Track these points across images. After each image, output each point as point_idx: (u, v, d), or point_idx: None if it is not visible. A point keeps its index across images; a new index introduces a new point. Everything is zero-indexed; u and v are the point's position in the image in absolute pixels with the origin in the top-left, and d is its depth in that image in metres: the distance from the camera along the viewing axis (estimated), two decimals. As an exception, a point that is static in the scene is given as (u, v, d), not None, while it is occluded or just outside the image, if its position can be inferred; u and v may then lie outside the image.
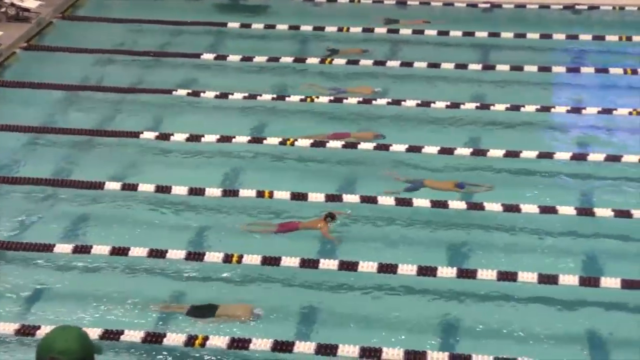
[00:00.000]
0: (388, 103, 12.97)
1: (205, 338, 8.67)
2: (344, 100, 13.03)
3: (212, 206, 10.88)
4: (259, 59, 14.23)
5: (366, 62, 14.13)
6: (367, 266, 9.62)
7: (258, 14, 16.15)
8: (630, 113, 12.55)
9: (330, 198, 10.78)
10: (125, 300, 9.37)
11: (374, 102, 13.01)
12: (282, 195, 10.82)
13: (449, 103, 12.85)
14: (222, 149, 11.97)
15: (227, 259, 9.76)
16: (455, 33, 15.07)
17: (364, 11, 16.30)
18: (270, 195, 10.82)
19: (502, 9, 16.18)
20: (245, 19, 15.70)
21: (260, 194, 10.86)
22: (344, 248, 10.18)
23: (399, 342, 8.73)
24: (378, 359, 8.47)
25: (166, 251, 9.85)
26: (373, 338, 8.79)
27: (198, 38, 15.24)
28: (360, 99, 13.04)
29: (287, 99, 13.13)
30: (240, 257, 9.76)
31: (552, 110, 12.77)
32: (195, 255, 9.82)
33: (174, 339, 8.69)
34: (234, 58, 14.31)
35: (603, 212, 10.47)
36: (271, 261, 9.70)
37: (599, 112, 12.64)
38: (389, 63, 14.12)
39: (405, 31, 15.21)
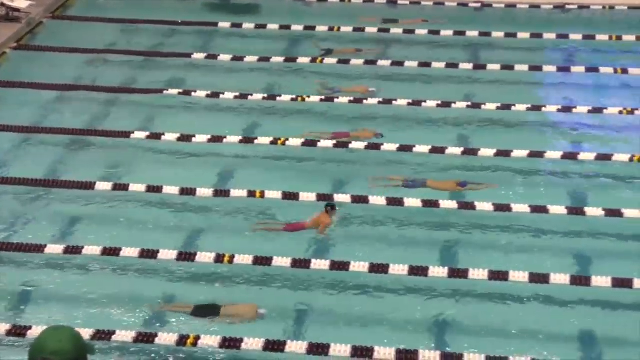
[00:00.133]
0: (379, 102, 12.98)
1: (197, 337, 8.67)
2: (335, 100, 13.02)
3: (203, 206, 10.87)
4: (250, 59, 14.22)
5: (357, 62, 14.13)
6: (359, 266, 9.63)
7: (249, 13, 16.13)
8: (620, 112, 12.58)
9: (322, 197, 10.78)
10: (117, 301, 9.36)
11: (365, 101, 13.01)
12: (274, 195, 10.82)
13: (440, 102, 12.87)
14: (213, 149, 11.96)
15: (219, 259, 9.76)
16: (447, 32, 15.08)
17: (355, 11, 16.28)
18: (262, 195, 10.83)
19: (492, 9, 16.19)
20: (236, 18, 15.68)
21: (251, 194, 10.86)
22: (335, 248, 10.18)
23: (390, 341, 8.73)
24: (370, 358, 8.49)
25: (158, 251, 9.85)
26: (365, 337, 8.79)
27: (189, 38, 15.21)
28: (352, 99, 13.04)
29: (278, 98, 13.12)
30: (232, 257, 9.76)
31: (543, 109, 12.78)
32: (186, 256, 9.82)
33: (166, 338, 8.69)
34: (224, 57, 14.30)
35: (594, 211, 10.50)
36: (262, 261, 9.71)
37: (589, 111, 12.67)
38: (380, 62, 14.13)
39: (397, 30, 15.21)
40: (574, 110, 12.73)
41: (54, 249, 9.96)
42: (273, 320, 9.10)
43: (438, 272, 9.57)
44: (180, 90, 13.30)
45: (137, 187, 10.99)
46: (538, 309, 9.29)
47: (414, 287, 9.54)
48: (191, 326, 8.98)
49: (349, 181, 11.37)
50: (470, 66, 14.02)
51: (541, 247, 10.17)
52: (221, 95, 13.16)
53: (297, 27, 15.32)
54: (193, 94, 13.21)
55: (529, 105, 12.79)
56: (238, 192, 10.94)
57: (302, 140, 11.94)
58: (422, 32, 15.17)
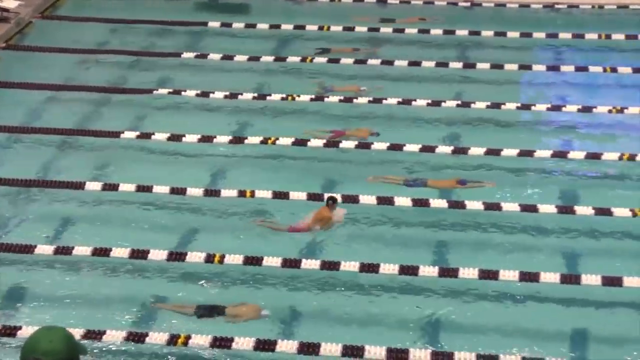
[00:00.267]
0: (370, 101, 12.98)
1: (188, 337, 8.67)
2: (325, 99, 13.03)
3: (194, 206, 10.86)
4: (240, 58, 14.22)
5: (348, 61, 14.13)
6: (350, 266, 9.64)
7: (239, 13, 16.11)
8: (610, 111, 12.62)
9: (312, 197, 10.78)
10: (108, 301, 9.36)
11: (355, 100, 13.02)
12: (264, 194, 10.83)
13: (430, 101, 12.89)
14: (203, 149, 11.95)
15: (209, 259, 9.76)
16: (436, 31, 15.10)
17: (345, 11, 16.29)
18: (252, 194, 10.83)
19: (482, 8, 16.21)
20: (226, 18, 15.67)
21: (242, 194, 10.86)
22: (326, 247, 10.18)
23: (381, 340, 8.73)
24: (360, 357, 8.49)
25: (148, 251, 9.84)
26: (355, 337, 8.80)
27: (179, 37, 15.19)
28: (342, 98, 13.05)
29: (268, 97, 13.12)
30: (222, 257, 9.76)
31: (533, 108, 12.81)
32: (177, 256, 9.82)
33: (157, 337, 8.68)
34: (214, 57, 14.29)
35: (584, 210, 10.53)
36: (253, 261, 9.71)
37: (578, 110, 12.69)
38: (371, 62, 14.15)
39: (387, 30, 15.22)
40: (564, 109, 12.76)
41: (45, 249, 9.94)
42: (264, 320, 9.10)
43: (429, 271, 9.58)
44: (171, 90, 13.29)
45: (127, 187, 10.98)
46: (528, 308, 9.30)
47: (404, 286, 9.54)
48: (183, 325, 8.97)
49: (341, 180, 11.37)
50: (460, 65, 14.03)
51: (531, 246, 10.19)
52: (211, 95, 13.15)
53: (287, 27, 15.30)
54: (183, 93, 13.20)
55: (519, 104, 12.81)
56: (228, 192, 10.93)
57: (292, 139, 11.93)
58: (412, 31, 15.16)
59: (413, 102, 12.89)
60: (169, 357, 8.61)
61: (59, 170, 11.58)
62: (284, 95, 13.10)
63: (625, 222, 10.44)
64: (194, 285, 9.62)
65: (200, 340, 8.64)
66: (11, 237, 10.25)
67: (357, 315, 9.20)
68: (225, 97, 13.14)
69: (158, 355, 8.63)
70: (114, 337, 8.66)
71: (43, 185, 11.16)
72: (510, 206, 10.61)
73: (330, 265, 9.66)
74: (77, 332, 8.43)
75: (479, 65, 13.96)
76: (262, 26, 15.37)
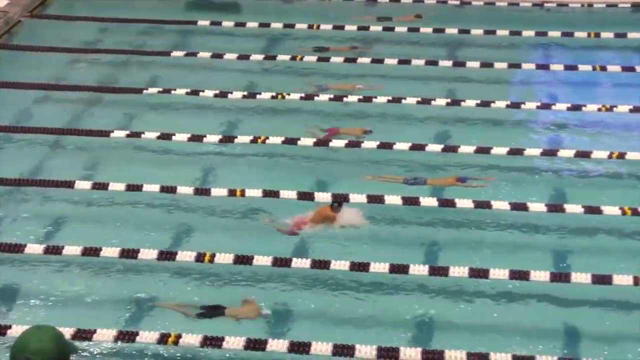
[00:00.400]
0: (359, 100, 12.99)
1: (178, 336, 8.66)
2: (315, 98, 13.02)
3: (184, 204, 10.85)
4: (230, 57, 14.20)
5: (338, 59, 14.12)
6: (339, 264, 9.64)
7: (229, 11, 16.09)
8: (599, 109, 12.64)
9: (303, 196, 10.78)
10: (98, 300, 9.36)
11: (345, 98, 13.02)
12: (255, 193, 10.82)
13: (419, 99, 12.90)
14: (193, 147, 11.94)
15: (200, 258, 9.76)
16: (426, 30, 15.11)
17: (335, 10, 16.27)
18: (242, 193, 10.83)
19: (472, 6, 16.22)
20: (216, 16, 15.65)
21: (232, 193, 10.86)
22: (317, 246, 10.18)
23: (371, 339, 8.74)
24: (351, 356, 8.50)
25: (138, 251, 9.84)
26: (346, 336, 8.80)
27: (168, 36, 15.17)
28: (332, 96, 13.05)
29: (258, 96, 13.11)
30: (213, 256, 9.75)
31: (522, 106, 12.82)
32: (167, 255, 9.81)
33: (147, 337, 8.68)
34: (204, 55, 14.28)
35: (573, 208, 10.55)
36: (243, 260, 9.71)
37: (568, 108, 12.71)
38: (364, 59, 14.14)
39: (376, 28, 15.22)
40: (553, 107, 12.77)
41: (34, 248, 9.92)
42: (253, 319, 9.11)
43: (419, 270, 9.59)
44: (160, 89, 13.27)
45: (117, 186, 10.97)
46: (518, 306, 9.33)
47: (395, 285, 9.56)
48: (173, 325, 8.97)
49: (332, 179, 11.37)
50: (449, 63, 14.05)
51: (521, 245, 10.21)
52: (201, 94, 13.14)
53: (277, 25, 15.28)
54: (173, 92, 13.18)
55: (508, 102, 12.83)
56: (219, 191, 10.93)
57: (283, 138, 11.92)
58: (402, 29, 15.17)
59: (403, 100, 12.87)
60: (160, 355, 8.61)
61: (49, 170, 11.55)
62: (274, 94, 13.09)
63: (614, 220, 10.46)
64: (185, 284, 9.62)
65: (190, 340, 8.64)
66: (1, 237, 10.22)
67: (348, 314, 9.21)
68: (216, 95, 13.13)
69: (149, 355, 8.64)
70: (104, 336, 8.66)
71: (32, 185, 11.13)
72: (500, 204, 10.62)
73: (321, 264, 9.66)
74: (67, 332, 8.41)
75: (469, 64, 13.96)
76: (252, 25, 15.33)
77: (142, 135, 12.06)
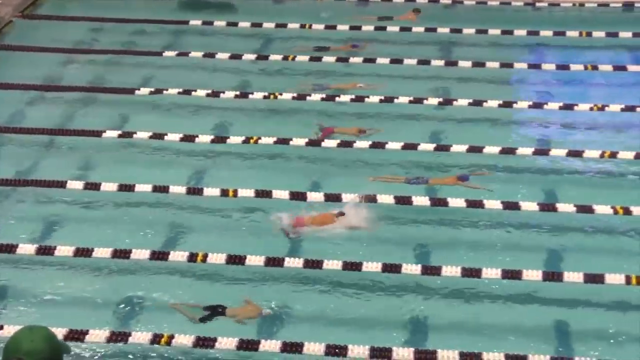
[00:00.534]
0: (352, 100, 12.98)
1: (171, 337, 8.66)
2: (307, 98, 13.01)
3: (176, 204, 10.85)
4: (222, 56, 14.18)
5: (330, 59, 14.11)
6: (332, 264, 9.64)
7: (221, 11, 16.08)
8: (591, 108, 12.66)
9: (295, 196, 10.78)
10: (91, 301, 9.35)
11: (337, 98, 13.01)
12: (247, 193, 10.81)
13: (412, 98, 12.90)
14: (185, 147, 11.93)
15: (192, 258, 9.75)
16: (418, 29, 15.11)
17: (328, 9, 16.26)
18: (235, 193, 10.82)
19: (464, 5, 16.23)
20: (208, 16, 15.64)
21: (224, 193, 10.85)
22: (308, 246, 10.18)
23: (364, 339, 8.75)
24: (344, 356, 8.50)
25: (130, 251, 9.83)
26: (338, 336, 8.81)
27: (160, 36, 15.15)
28: (324, 96, 13.04)
29: (250, 96, 13.10)
30: (205, 256, 9.75)
31: (514, 105, 12.84)
32: (159, 255, 9.80)
33: (140, 337, 8.67)
34: (196, 55, 14.26)
35: (565, 207, 10.56)
36: (236, 260, 9.70)
37: (560, 108, 12.73)
38: (353, 59, 14.14)
39: (368, 28, 15.21)
40: (545, 106, 12.79)
41: (27, 248, 9.91)
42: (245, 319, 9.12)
43: (411, 269, 9.60)
44: (152, 89, 13.25)
45: (109, 186, 10.96)
46: (511, 306, 9.34)
47: (387, 284, 9.56)
48: (165, 325, 8.97)
49: (324, 179, 11.37)
50: (441, 62, 14.06)
51: (513, 244, 10.23)
52: (193, 93, 13.12)
53: (270, 25, 15.26)
54: (165, 92, 13.16)
55: (500, 102, 12.83)
56: (211, 191, 10.92)
57: (275, 138, 11.91)
58: (394, 28, 15.17)
59: (396, 100, 12.88)
60: (153, 356, 8.61)
61: (41, 170, 11.54)
62: (266, 94, 13.08)
63: (606, 219, 10.48)
64: (178, 284, 9.61)
65: (183, 340, 8.63)
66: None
67: (340, 314, 9.22)
68: (208, 95, 13.11)
69: (142, 356, 8.63)
70: (97, 336, 8.65)
71: (23, 185, 11.12)
72: (493, 203, 10.63)
73: (314, 264, 9.66)
74: (59, 332, 8.40)
75: (461, 63, 13.97)
76: (244, 24, 15.31)
77: (135, 135, 12.05)
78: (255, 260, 9.69)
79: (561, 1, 16.16)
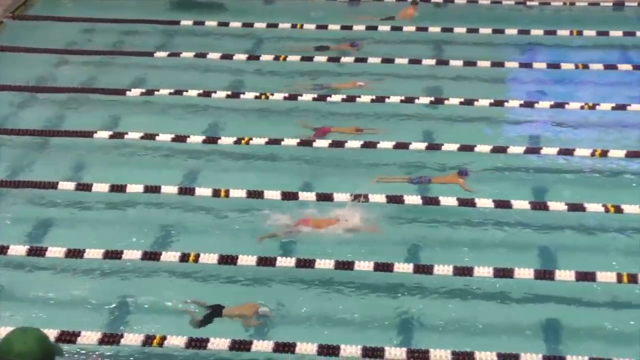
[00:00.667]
0: (343, 100, 12.98)
1: (163, 338, 8.65)
2: (299, 98, 13.00)
3: (168, 205, 10.84)
4: (213, 56, 14.17)
5: (320, 59, 14.10)
6: (324, 263, 9.64)
7: (212, 11, 16.07)
8: (582, 107, 12.68)
9: (287, 196, 10.77)
10: (83, 302, 9.34)
11: (328, 98, 13.00)
12: (238, 193, 10.81)
13: (403, 98, 12.91)
14: (177, 148, 11.92)
15: (184, 258, 9.74)
16: (409, 28, 15.12)
17: (313, 9, 16.25)
18: (227, 194, 10.82)
19: (455, 4, 16.24)
20: (199, 16, 15.62)
21: (216, 193, 10.85)
22: (301, 245, 10.18)
23: (356, 338, 8.75)
24: (336, 356, 8.51)
25: (122, 252, 9.82)
26: (330, 335, 8.81)
27: (151, 36, 15.14)
28: (315, 96, 13.03)
29: (242, 96, 13.09)
30: (197, 256, 9.74)
31: (505, 104, 12.86)
32: (151, 255, 9.79)
33: (132, 339, 8.67)
34: (187, 55, 14.24)
35: (557, 205, 10.58)
36: (227, 260, 9.70)
37: (551, 106, 12.75)
38: (344, 59, 14.14)
39: (359, 27, 15.21)
40: (536, 105, 12.81)
41: (17, 250, 9.89)
42: (238, 320, 9.10)
43: (403, 268, 9.61)
44: (143, 90, 13.24)
45: (100, 187, 10.95)
46: (503, 304, 9.36)
47: (379, 283, 9.57)
48: (158, 325, 8.97)
49: (317, 179, 11.37)
50: (433, 62, 14.07)
51: (504, 242, 10.25)
52: (184, 94, 13.11)
53: (261, 25, 15.24)
54: (156, 92, 13.14)
55: (492, 101, 12.85)
56: (203, 191, 10.92)
57: (266, 139, 11.90)
58: (385, 28, 15.17)
59: (387, 99, 12.89)
60: (146, 358, 8.62)
61: (32, 171, 11.53)
62: (258, 94, 13.07)
63: (598, 217, 10.50)
64: (170, 284, 9.60)
65: (175, 341, 8.63)
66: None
67: (332, 314, 9.22)
68: (199, 95, 13.10)
69: (134, 358, 8.63)
70: (89, 338, 8.64)
71: (15, 186, 11.09)
72: (484, 202, 10.65)
73: (306, 263, 9.66)
74: (51, 334, 8.38)
75: (452, 62, 13.99)
76: (236, 24, 15.30)
77: (126, 136, 12.03)
78: (247, 260, 9.69)
79: (552, 0, 16.17)
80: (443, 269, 9.56)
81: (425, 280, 9.55)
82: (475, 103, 12.78)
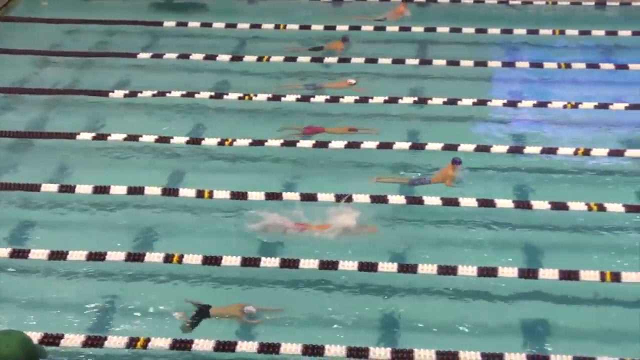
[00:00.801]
0: (327, 100, 12.98)
1: (147, 340, 8.64)
2: (282, 98, 12.99)
3: (152, 206, 10.83)
4: (196, 57, 14.15)
5: (304, 59, 14.09)
6: (309, 263, 9.65)
7: (194, 12, 16.04)
8: (565, 106, 12.71)
9: (271, 196, 10.77)
10: (66, 304, 9.31)
11: (312, 99, 13.00)
12: (222, 194, 10.80)
13: (387, 98, 12.92)
14: (160, 149, 11.90)
15: (168, 259, 9.73)
16: (392, 28, 15.14)
17: (299, 10, 16.24)
18: (210, 195, 10.81)
19: (437, 4, 16.26)
20: (182, 17, 15.59)
21: (200, 194, 10.83)
22: (285, 246, 10.18)
23: (340, 339, 8.76)
24: (320, 356, 8.51)
25: (105, 253, 9.80)
26: (315, 336, 8.81)
27: (134, 37, 15.10)
28: (299, 96, 13.03)
29: (225, 97, 13.08)
30: (181, 257, 9.73)
31: (489, 103, 12.88)
32: (135, 256, 9.78)
33: (115, 341, 8.65)
34: (170, 56, 14.21)
35: (540, 204, 10.61)
36: (212, 261, 9.69)
37: (534, 106, 12.79)
38: (328, 59, 14.14)
39: (343, 27, 15.20)
40: (519, 104, 12.84)
41: (0, 252, 9.86)
42: (223, 321, 9.10)
43: (387, 267, 9.62)
44: (127, 91, 13.20)
45: (83, 189, 10.91)
46: (486, 303, 9.38)
47: (363, 283, 9.58)
48: (144, 326, 8.96)
49: (300, 180, 11.37)
50: (416, 62, 14.08)
51: (489, 241, 10.27)
52: (167, 95, 13.08)
53: (244, 26, 15.23)
54: (139, 94, 13.11)
55: (475, 100, 12.87)
56: (187, 192, 10.90)
57: (250, 140, 11.90)
58: (368, 27, 15.17)
59: (370, 100, 12.90)
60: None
61: (14, 173, 11.48)
62: (241, 95, 13.06)
63: (580, 216, 10.54)
64: (155, 286, 9.59)
65: (160, 343, 8.62)
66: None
67: (317, 314, 9.22)
68: (182, 96, 13.08)
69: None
70: (72, 340, 8.61)
71: (-2, 189, 11.09)
72: (468, 201, 10.67)
73: (290, 263, 9.66)
74: (34, 336, 8.33)
75: (435, 62, 14.01)
76: (219, 25, 15.27)
77: (109, 138, 12.00)
78: (231, 260, 9.68)
79: (534, -1, 16.24)
80: (427, 268, 9.57)
81: (409, 280, 9.56)
82: (459, 102, 12.79)
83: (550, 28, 14.95)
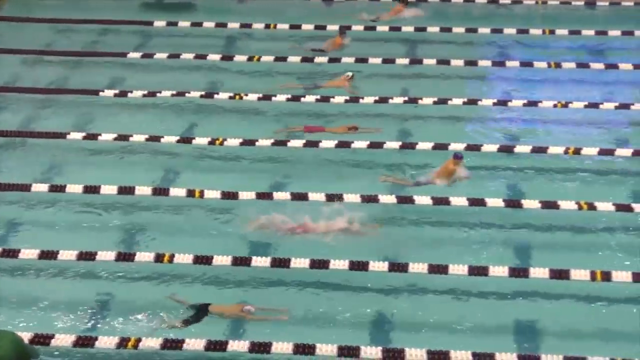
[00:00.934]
0: (317, 100, 12.98)
1: (138, 340, 8.63)
2: (273, 98, 12.97)
3: (142, 205, 10.81)
4: (187, 56, 14.12)
5: (295, 59, 14.08)
6: (300, 262, 9.64)
7: (184, 12, 16.01)
8: (555, 105, 12.73)
9: (261, 196, 10.76)
10: (57, 304, 9.30)
11: (302, 99, 12.99)
12: (213, 194, 10.79)
13: (377, 98, 12.92)
14: (151, 148, 11.88)
15: (158, 258, 9.72)
16: (383, 28, 15.13)
17: (290, 10, 16.22)
18: (201, 194, 10.79)
19: (428, 4, 16.25)
20: (172, 17, 15.56)
21: (190, 193, 10.82)
22: (276, 245, 10.17)
23: (332, 338, 8.76)
24: (312, 355, 8.51)
25: (96, 253, 9.78)
26: (307, 335, 8.81)
27: (125, 37, 15.07)
28: (289, 96, 13.02)
29: (216, 96, 13.06)
30: (172, 256, 9.72)
31: (479, 103, 12.89)
32: (125, 256, 9.76)
33: (106, 341, 8.64)
34: (161, 56, 14.18)
35: (530, 203, 10.63)
36: (203, 260, 9.69)
37: (524, 105, 12.80)
38: (319, 59, 14.13)
39: (333, 27, 15.19)
40: (509, 103, 12.85)
41: (-11, 252, 9.88)
42: (215, 320, 9.09)
43: (379, 266, 9.62)
44: (117, 91, 13.17)
45: (74, 188, 10.89)
46: (477, 302, 9.39)
47: (354, 282, 9.58)
48: (133, 328, 8.95)
49: (289, 179, 11.36)
50: (406, 61, 14.07)
51: (479, 240, 10.28)
52: (158, 94, 13.06)
53: (234, 25, 15.21)
54: (130, 94, 13.09)
55: (465, 99, 12.88)
56: (177, 191, 10.89)
57: (240, 140, 11.88)
58: (358, 27, 15.17)
59: (361, 100, 12.90)
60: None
61: (4, 172, 11.45)
62: (232, 94, 13.04)
63: (571, 215, 10.56)
64: (145, 285, 9.58)
65: (150, 343, 8.61)
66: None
67: (308, 313, 9.22)
68: (173, 95, 13.05)
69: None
70: (63, 340, 8.60)
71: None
72: (459, 201, 10.68)
73: (281, 263, 9.65)
74: (25, 336, 8.32)
75: (426, 61, 14.00)
76: (209, 24, 15.25)
77: (99, 137, 11.97)
78: (222, 260, 9.68)
79: (524, -1, 16.24)
80: (418, 267, 9.58)
81: (400, 279, 9.57)
82: (449, 102, 12.79)
83: (540, 28, 14.94)
